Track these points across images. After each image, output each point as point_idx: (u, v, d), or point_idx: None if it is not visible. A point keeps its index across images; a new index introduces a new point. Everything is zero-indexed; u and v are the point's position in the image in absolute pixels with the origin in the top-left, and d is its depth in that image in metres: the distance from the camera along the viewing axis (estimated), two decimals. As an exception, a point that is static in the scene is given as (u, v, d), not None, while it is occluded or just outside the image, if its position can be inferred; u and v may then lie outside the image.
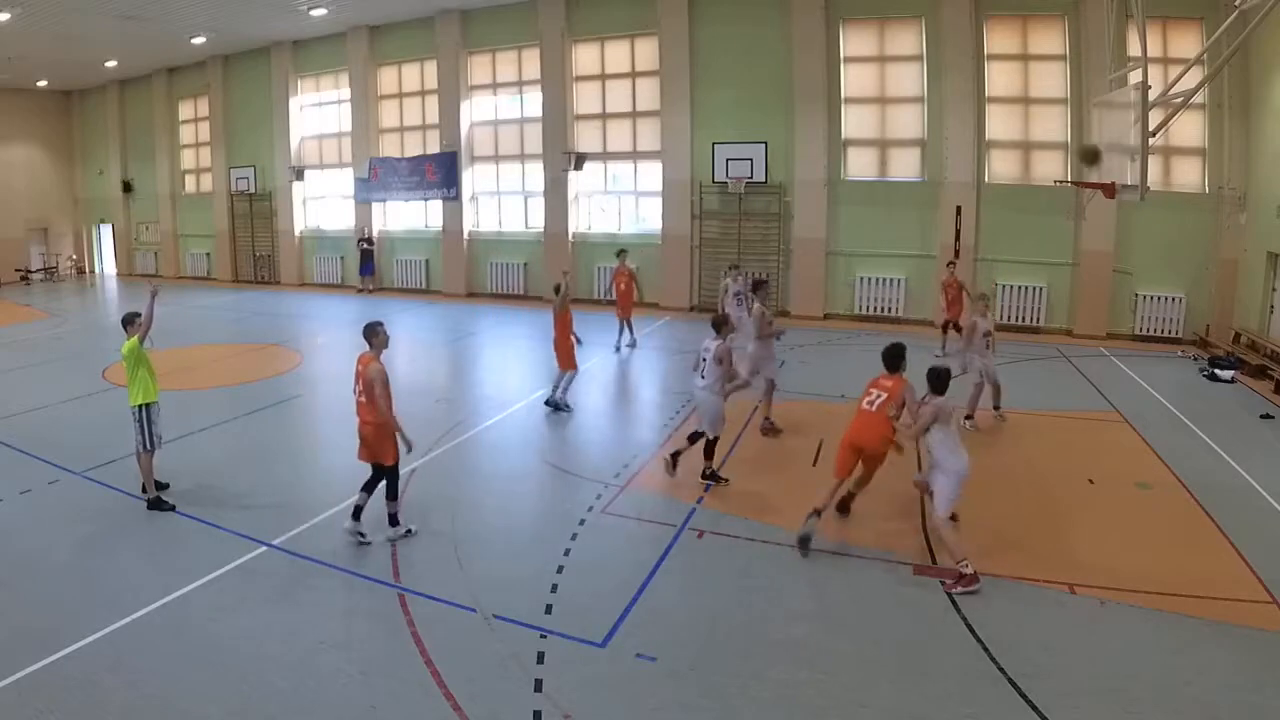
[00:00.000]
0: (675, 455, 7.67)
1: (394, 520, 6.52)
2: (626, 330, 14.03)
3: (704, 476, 7.55)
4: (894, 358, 6.42)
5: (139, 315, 7.03)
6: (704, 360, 7.45)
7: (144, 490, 7.11)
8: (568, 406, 9.93)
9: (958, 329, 13.41)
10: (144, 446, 7.04)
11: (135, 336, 6.98)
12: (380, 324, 6.50)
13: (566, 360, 9.92)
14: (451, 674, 4.65)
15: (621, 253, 14.87)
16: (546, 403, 9.96)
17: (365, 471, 6.38)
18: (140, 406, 6.99)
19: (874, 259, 16.80)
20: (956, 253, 15.80)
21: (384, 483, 6.46)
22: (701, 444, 7.58)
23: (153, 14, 18.63)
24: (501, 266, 20.79)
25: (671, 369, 12.71)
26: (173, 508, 6.98)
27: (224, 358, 14.07)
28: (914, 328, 15.11)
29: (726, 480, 7.59)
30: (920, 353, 12.35)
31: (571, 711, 4.33)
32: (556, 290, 10.15)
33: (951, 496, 5.86)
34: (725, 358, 7.36)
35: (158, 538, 6.55)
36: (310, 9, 19.47)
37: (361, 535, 6.38)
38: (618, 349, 13.87)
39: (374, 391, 6.19)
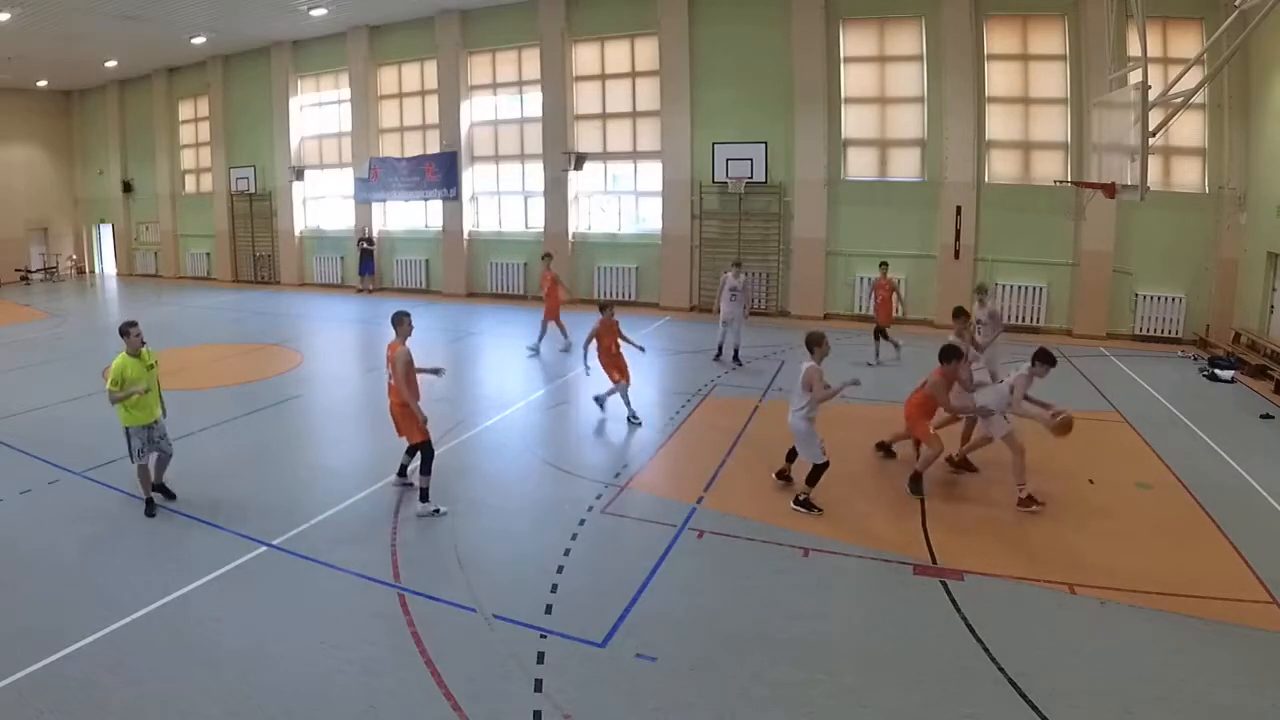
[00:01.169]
0: (781, 472, 7.60)
1: (424, 496, 6.83)
2: (560, 333, 13.92)
3: (795, 502, 7.05)
4: (942, 355, 7.49)
5: (135, 325, 6.85)
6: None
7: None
8: (635, 418, 9.64)
9: (886, 336, 13.01)
10: (131, 458, 6.92)
11: (125, 353, 6.75)
12: (407, 313, 7.11)
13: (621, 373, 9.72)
14: (451, 674, 4.65)
15: (547, 256, 14.98)
16: (629, 419, 9.62)
17: (365, 472, 6.38)
18: (124, 427, 6.83)
19: (874, 259, 16.72)
20: (956, 253, 15.84)
21: (419, 458, 6.94)
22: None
23: (153, 14, 18.65)
24: (501, 266, 20.80)
25: (671, 369, 12.70)
26: (152, 515, 6.87)
27: (224, 358, 14.06)
28: (913, 327, 15.10)
29: (820, 510, 6.97)
30: (922, 346, 12.29)
31: (571, 711, 4.33)
32: (603, 308, 9.88)
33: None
34: (812, 381, 6.92)
35: (158, 538, 6.55)
36: (310, 9, 19.48)
37: (410, 484, 7.16)
38: (537, 352, 13.66)
39: (398, 373, 6.74)
